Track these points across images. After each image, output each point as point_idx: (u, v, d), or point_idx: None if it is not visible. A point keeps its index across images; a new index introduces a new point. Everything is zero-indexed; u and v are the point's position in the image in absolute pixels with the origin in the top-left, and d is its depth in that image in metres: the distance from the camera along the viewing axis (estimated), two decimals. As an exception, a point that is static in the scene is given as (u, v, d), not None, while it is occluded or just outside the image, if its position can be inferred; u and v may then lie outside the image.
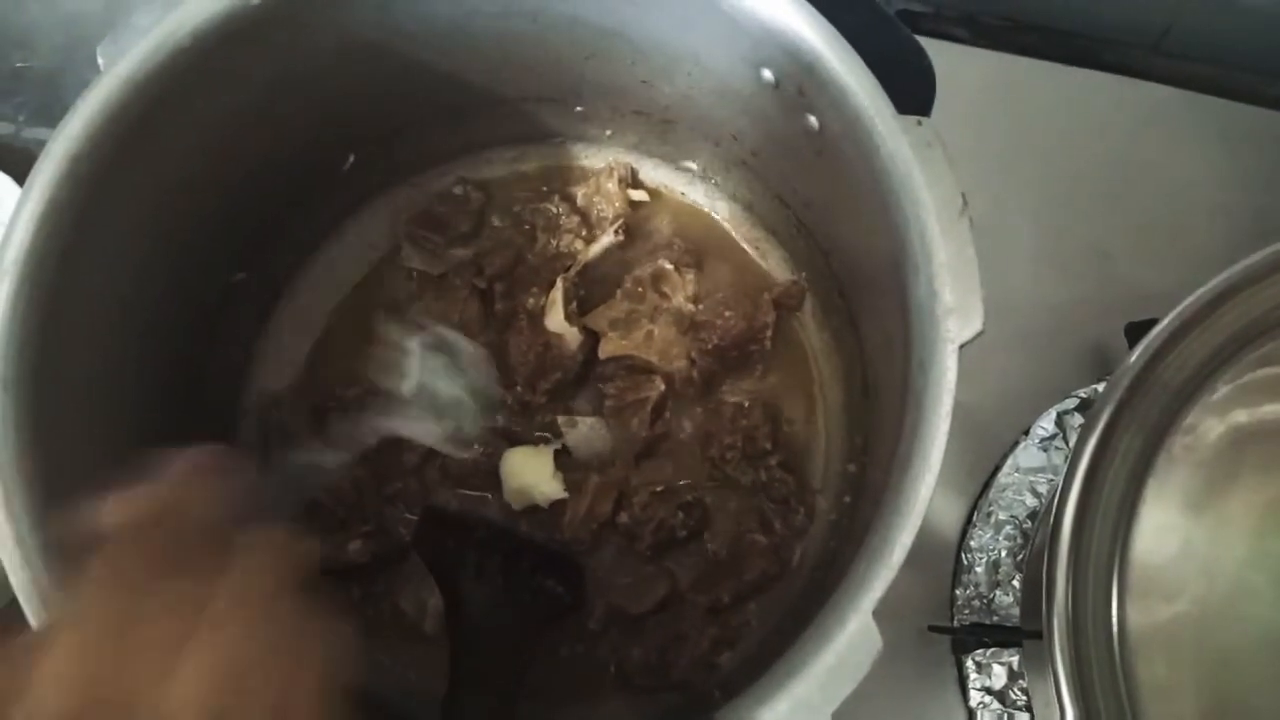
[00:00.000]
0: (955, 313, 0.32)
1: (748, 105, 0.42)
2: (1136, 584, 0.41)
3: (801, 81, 0.36)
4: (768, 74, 0.38)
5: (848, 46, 0.34)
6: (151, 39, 0.36)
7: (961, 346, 0.32)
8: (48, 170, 0.35)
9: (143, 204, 0.38)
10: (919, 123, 0.34)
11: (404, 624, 0.47)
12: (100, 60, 0.36)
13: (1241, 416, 0.43)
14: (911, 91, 0.35)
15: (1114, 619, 0.40)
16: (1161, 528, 0.41)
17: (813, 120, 0.38)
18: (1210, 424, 0.42)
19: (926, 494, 0.31)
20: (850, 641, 0.30)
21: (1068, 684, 0.39)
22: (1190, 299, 0.42)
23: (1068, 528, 0.41)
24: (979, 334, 0.32)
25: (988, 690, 0.49)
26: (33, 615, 0.32)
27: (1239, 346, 0.43)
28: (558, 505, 0.47)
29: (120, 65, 0.36)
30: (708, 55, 0.41)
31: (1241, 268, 0.43)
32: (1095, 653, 0.40)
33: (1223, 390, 0.42)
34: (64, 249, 0.35)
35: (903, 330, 0.35)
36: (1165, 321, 0.42)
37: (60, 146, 0.35)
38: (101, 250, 0.37)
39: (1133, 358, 0.42)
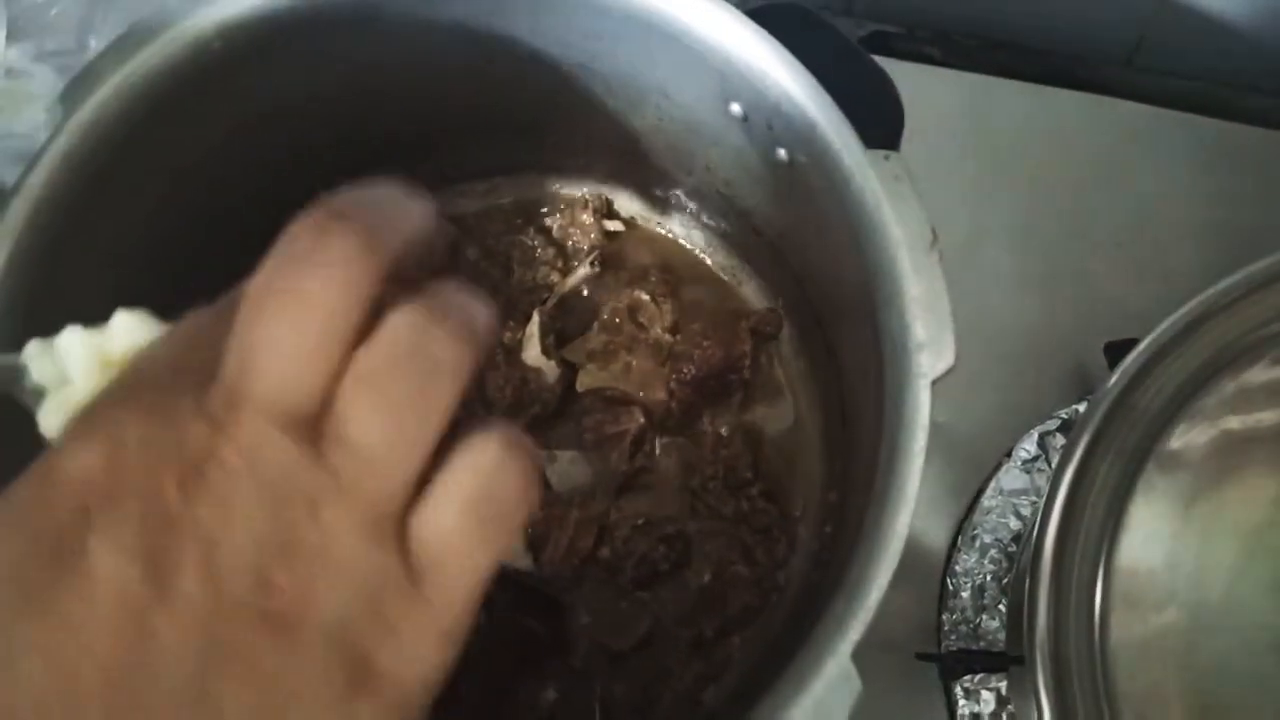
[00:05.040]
0: (927, 347, 0.32)
1: (718, 138, 0.41)
2: (1120, 606, 0.40)
3: (769, 116, 0.36)
4: (736, 108, 0.38)
5: (814, 81, 0.34)
6: (110, 86, 0.36)
7: (934, 381, 0.32)
8: (10, 221, 0.35)
9: (105, 248, 0.38)
10: (886, 157, 0.33)
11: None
12: (60, 108, 0.36)
13: (1222, 432, 0.43)
14: (880, 124, 0.35)
15: (1097, 642, 0.40)
16: (1145, 547, 0.41)
17: (782, 153, 0.38)
18: (1192, 442, 0.42)
19: (903, 531, 0.31)
20: (828, 686, 0.29)
21: (1050, 708, 0.39)
22: (1168, 321, 0.43)
23: (1049, 551, 0.41)
24: (950, 368, 0.32)
25: (976, 716, 0.48)
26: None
27: (1218, 367, 0.43)
28: (538, 540, 0.46)
29: (82, 112, 0.36)
30: (676, 89, 0.41)
31: (1219, 289, 0.43)
32: (1079, 675, 0.39)
33: (1203, 409, 0.42)
34: (30, 295, 0.35)
35: (876, 363, 0.35)
36: (1144, 344, 0.42)
37: (24, 195, 0.35)
38: (70, 294, 0.37)
39: (1111, 381, 0.42)
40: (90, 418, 0.20)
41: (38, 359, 0.24)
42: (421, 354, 0.20)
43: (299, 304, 0.20)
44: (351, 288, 0.20)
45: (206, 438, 0.19)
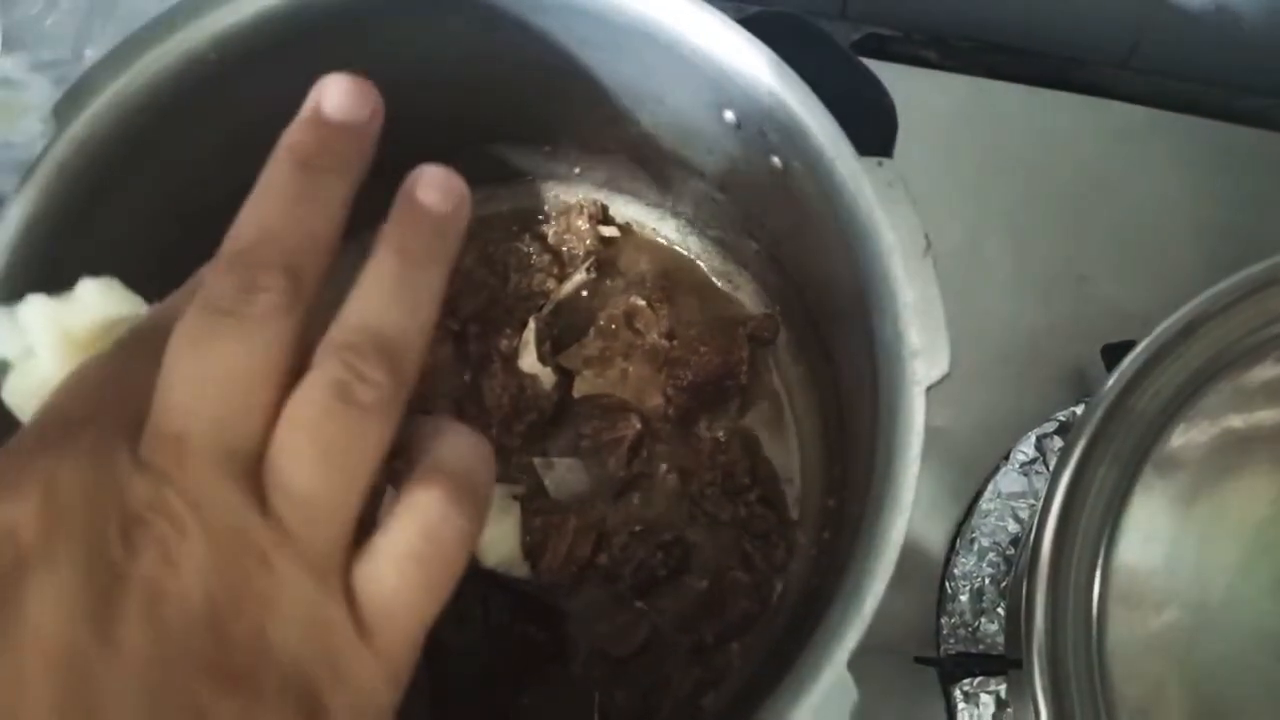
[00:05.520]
0: (922, 354, 0.32)
1: (713, 144, 0.41)
2: (1118, 608, 0.40)
3: (763, 123, 0.36)
4: (730, 115, 0.38)
5: (807, 89, 0.34)
6: (105, 98, 0.36)
7: (930, 388, 0.32)
8: (5, 232, 0.35)
9: (100, 260, 0.38)
10: (880, 163, 0.33)
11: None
12: (54, 120, 0.36)
13: (1220, 434, 0.43)
14: (873, 130, 0.35)
15: (1095, 645, 0.40)
16: (1143, 549, 0.41)
17: (776, 161, 0.38)
18: (1190, 444, 0.42)
19: (899, 538, 0.31)
20: (825, 694, 0.29)
21: (1048, 712, 0.39)
22: (1166, 323, 0.42)
23: (1046, 554, 0.41)
24: (946, 375, 0.32)
25: (976, 720, 0.49)
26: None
27: (1216, 369, 0.43)
28: (536, 548, 0.46)
29: (76, 125, 0.36)
30: (671, 97, 0.41)
31: (1217, 291, 0.43)
32: (1077, 678, 0.39)
33: (1201, 411, 0.42)
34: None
35: (871, 369, 0.35)
36: (1141, 346, 0.42)
37: (17, 210, 0.35)
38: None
39: (1109, 383, 0.42)
40: (19, 465, 0.20)
41: (1, 331, 0.23)
42: (349, 397, 0.20)
43: (230, 351, 0.20)
44: (279, 335, 0.21)
45: (149, 486, 0.19)
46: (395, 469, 0.22)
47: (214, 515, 0.19)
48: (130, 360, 0.22)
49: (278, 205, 0.22)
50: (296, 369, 0.21)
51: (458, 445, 0.23)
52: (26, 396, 0.22)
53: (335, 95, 0.24)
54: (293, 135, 0.23)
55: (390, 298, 0.22)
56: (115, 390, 0.21)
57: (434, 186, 0.24)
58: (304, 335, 0.21)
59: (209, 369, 0.20)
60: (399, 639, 0.21)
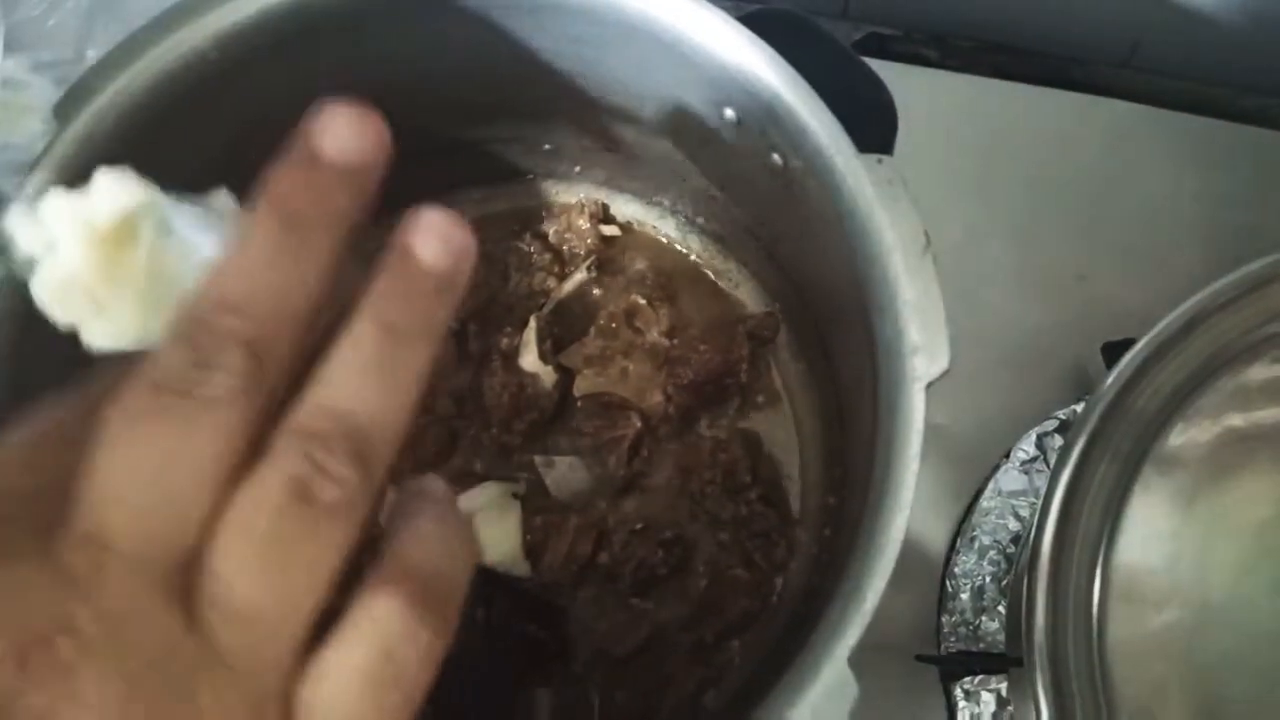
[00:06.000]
0: (922, 352, 0.32)
1: (713, 142, 0.41)
2: (1119, 606, 0.40)
3: (763, 121, 0.36)
4: (730, 113, 0.38)
5: (806, 86, 0.34)
6: (105, 97, 0.36)
7: (930, 385, 0.32)
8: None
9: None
10: (880, 161, 0.33)
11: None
12: (55, 120, 0.36)
13: (1221, 432, 0.43)
14: (873, 128, 0.35)
15: (1096, 643, 0.40)
16: (1144, 547, 0.41)
17: (776, 158, 0.38)
18: (1190, 442, 0.42)
19: (899, 536, 0.31)
20: (826, 691, 0.29)
21: (1049, 710, 0.39)
22: (1166, 321, 0.42)
23: (1047, 552, 0.41)
24: (946, 372, 0.32)
25: (976, 718, 0.48)
26: None
27: (1216, 367, 0.43)
28: (536, 547, 0.47)
29: (76, 125, 0.36)
30: (670, 95, 0.41)
31: (1216, 289, 0.43)
32: (1077, 677, 0.39)
33: (1201, 409, 0.42)
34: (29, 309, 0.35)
35: (871, 367, 0.35)
36: (1141, 344, 0.42)
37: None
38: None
39: (1109, 381, 0.42)
40: None
41: (24, 228, 0.22)
42: (308, 496, 0.18)
43: (172, 437, 0.17)
44: (233, 423, 0.18)
45: (58, 600, 0.16)
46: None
47: (132, 637, 0.16)
48: (53, 438, 0.19)
49: (250, 268, 0.19)
50: (249, 458, 0.18)
51: (432, 536, 0.20)
52: (55, 290, 0.21)
53: (336, 130, 0.20)
54: (281, 182, 0.20)
55: (367, 378, 0.19)
56: (32, 477, 0.18)
57: (435, 237, 0.20)
58: (261, 423, 0.18)
59: (145, 457, 0.17)
60: None
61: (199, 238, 0.22)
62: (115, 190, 0.22)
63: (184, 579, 0.17)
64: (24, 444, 0.19)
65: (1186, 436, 0.42)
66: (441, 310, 0.20)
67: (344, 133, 0.20)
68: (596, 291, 0.51)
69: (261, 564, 0.17)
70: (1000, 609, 0.50)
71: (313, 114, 0.21)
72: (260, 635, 0.17)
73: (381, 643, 0.18)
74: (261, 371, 0.18)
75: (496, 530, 0.43)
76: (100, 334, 0.21)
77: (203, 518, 0.17)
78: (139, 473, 0.17)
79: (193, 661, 0.17)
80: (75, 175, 0.36)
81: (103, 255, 0.21)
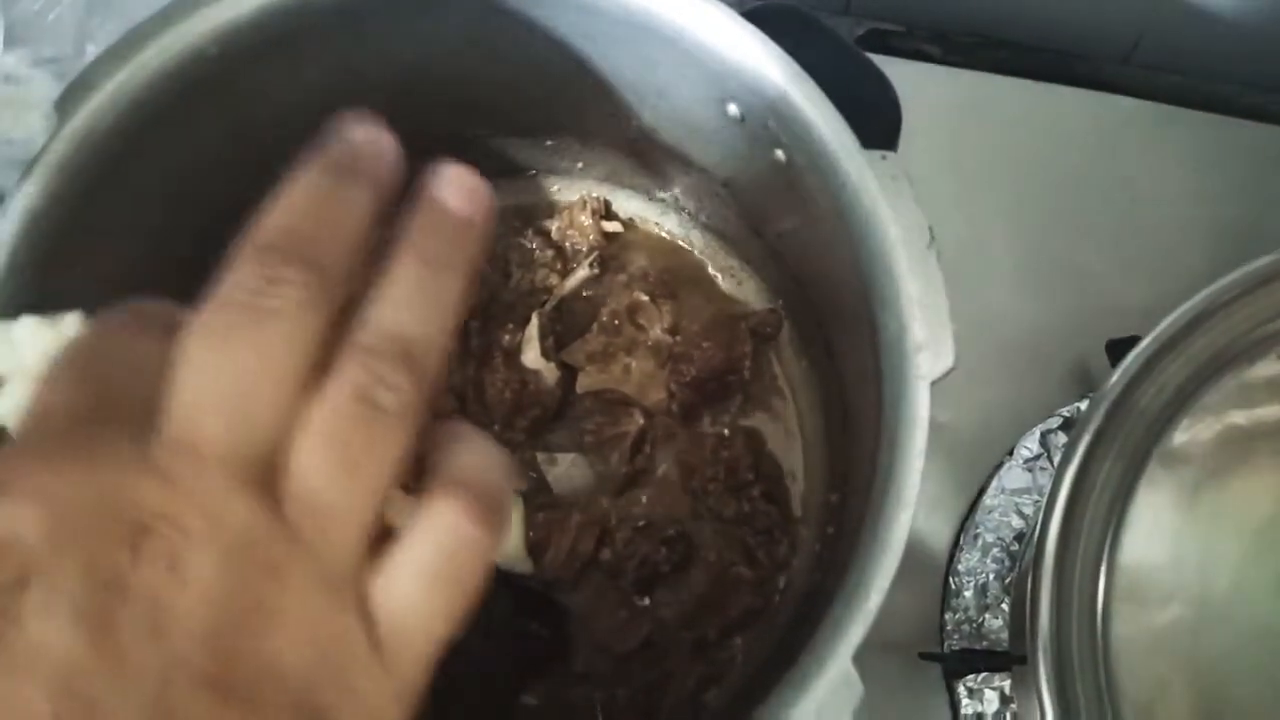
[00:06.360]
0: (926, 349, 0.32)
1: (716, 138, 0.41)
2: (1122, 603, 0.40)
3: (766, 117, 0.36)
4: (733, 109, 0.38)
5: (811, 82, 0.34)
6: (105, 93, 0.35)
7: (934, 382, 0.32)
8: (5, 229, 0.35)
9: (101, 257, 0.38)
10: (884, 157, 0.33)
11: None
12: (55, 116, 0.36)
13: (1225, 429, 0.42)
14: (877, 124, 0.34)
15: (1100, 641, 0.40)
16: (1148, 545, 0.41)
17: (780, 154, 0.37)
18: (1195, 440, 0.42)
19: (903, 534, 0.31)
20: (830, 689, 0.29)
21: (1052, 708, 0.39)
22: (1170, 318, 0.42)
23: (1051, 550, 0.40)
24: (950, 369, 0.32)
25: (980, 716, 0.48)
26: None
27: (1221, 364, 0.43)
28: (539, 544, 0.46)
29: (76, 120, 0.36)
30: (673, 90, 0.40)
31: (1221, 286, 0.43)
32: (1081, 674, 0.39)
33: (1205, 406, 0.42)
34: (26, 305, 0.35)
35: (874, 364, 0.35)
36: (1146, 341, 0.42)
37: (18, 206, 0.35)
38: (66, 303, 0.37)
39: (1113, 378, 0.42)
40: (22, 466, 0.19)
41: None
42: (372, 402, 0.20)
43: (250, 348, 0.19)
44: (302, 334, 0.20)
45: (158, 495, 0.18)
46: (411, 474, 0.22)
47: (225, 525, 0.19)
48: (136, 347, 0.21)
49: (306, 203, 0.21)
50: (317, 370, 0.20)
51: (478, 456, 0.22)
52: (19, 414, 0.22)
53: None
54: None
55: (412, 302, 0.21)
56: (121, 383, 0.20)
57: (455, 187, 0.23)
58: (327, 335, 0.20)
59: (225, 367, 0.19)
60: (412, 657, 0.20)
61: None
62: (47, 337, 0.23)
63: (266, 476, 0.19)
64: (112, 345, 0.21)
65: (1191, 434, 0.42)
66: (469, 246, 0.23)
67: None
68: (599, 288, 0.51)
69: (334, 460, 0.20)
70: (1004, 607, 0.50)
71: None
72: (335, 524, 0.20)
73: (444, 541, 0.20)
74: (325, 285, 0.20)
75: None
76: None
77: (280, 421, 0.19)
78: (222, 382, 0.19)
79: (278, 547, 0.19)
80: (74, 174, 0.36)
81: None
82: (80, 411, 0.20)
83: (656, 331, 0.49)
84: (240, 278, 0.20)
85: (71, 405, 0.20)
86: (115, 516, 0.18)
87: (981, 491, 0.52)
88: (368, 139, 0.23)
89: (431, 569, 0.20)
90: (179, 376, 0.19)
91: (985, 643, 0.49)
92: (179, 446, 0.19)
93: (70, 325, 0.23)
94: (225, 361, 0.19)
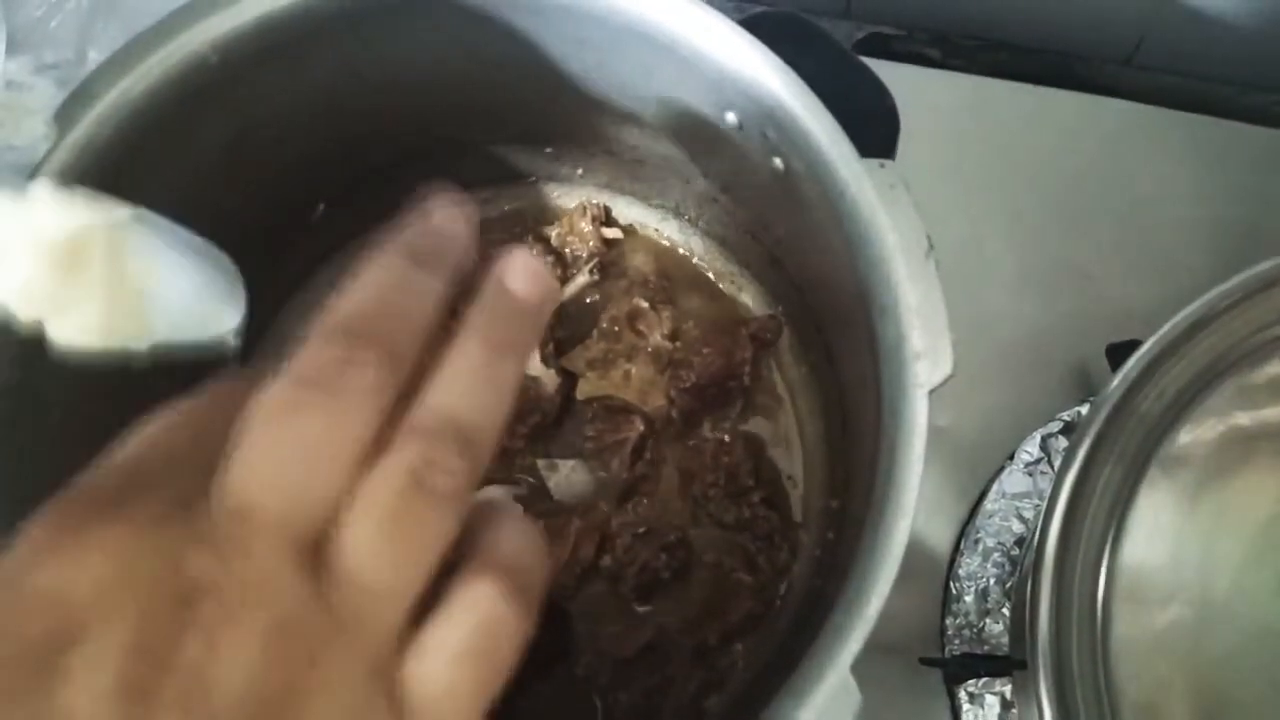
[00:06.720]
0: (924, 356, 0.32)
1: (714, 146, 0.41)
2: (1123, 608, 0.40)
3: (764, 125, 0.36)
4: (731, 117, 0.38)
5: (808, 90, 0.34)
6: (106, 102, 0.36)
7: (932, 390, 0.32)
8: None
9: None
10: (882, 165, 0.33)
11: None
12: (57, 123, 0.36)
13: (1225, 433, 0.42)
14: (875, 132, 0.35)
15: (1100, 645, 0.40)
16: (1148, 549, 0.41)
17: (778, 162, 0.37)
18: (1195, 443, 0.42)
19: (902, 540, 0.31)
20: (829, 697, 0.29)
21: (1052, 712, 0.39)
22: (1171, 322, 0.42)
23: (1051, 554, 0.40)
24: (949, 378, 0.32)
25: (981, 721, 0.48)
26: None
27: (1221, 368, 0.43)
28: (540, 550, 0.46)
29: (77, 130, 0.36)
30: (672, 98, 0.40)
31: (1222, 290, 0.43)
32: (1081, 679, 0.39)
33: (1206, 411, 0.42)
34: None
35: (873, 371, 0.35)
36: (1146, 346, 0.42)
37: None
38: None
39: (1113, 383, 0.42)
40: (80, 524, 0.19)
41: None
42: (426, 484, 0.20)
43: (316, 426, 0.20)
44: (367, 415, 0.20)
45: (208, 563, 0.19)
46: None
47: (270, 601, 0.19)
48: (204, 419, 0.21)
49: (382, 292, 0.22)
50: (375, 450, 0.20)
51: (515, 538, 0.22)
52: (14, 290, 0.22)
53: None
54: (407, 234, 0.23)
55: (474, 386, 0.21)
56: (186, 452, 0.21)
57: (523, 273, 0.23)
58: (389, 417, 0.20)
59: (289, 442, 0.19)
60: None
61: (157, 250, 0.24)
62: (60, 213, 0.22)
63: (314, 552, 0.19)
64: (158, 430, 0.21)
65: (1192, 438, 0.42)
66: (531, 333, 0.24)
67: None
68: (599, 295, 0.51)
69: (384, 540, 0.20)
70: (1004, 611, 0.50)
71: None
72: (379, 604, 0.20)
73: (479, 622, 0.21)
74: (393, 370, 0.21)
75: None
76: (65, 332, 0.23)
77: (335, 499, 0.20)
78: (283, 456, 0.19)
79: (319, 627, 0.19)
80: (76, 181, 0.36)
81: (56, 264, 0.22)
82: (150, 476, 0.20)
83: (656, 338, 0.49)
84: (314, 357, 0.20)
85: (144, 468, 0.21)
86: (165, 584, 0.18)
87: (982, 496, 0.52)
88: (447, 221, 0.24)
89: (467, 651, 0.20)
90: (242, 446, 0.20)
91: (986, 647, 0.49)
92: (231, 516, 0.19)
93: (43, 211, 0.22)
94: (290, 436, 0.20)
